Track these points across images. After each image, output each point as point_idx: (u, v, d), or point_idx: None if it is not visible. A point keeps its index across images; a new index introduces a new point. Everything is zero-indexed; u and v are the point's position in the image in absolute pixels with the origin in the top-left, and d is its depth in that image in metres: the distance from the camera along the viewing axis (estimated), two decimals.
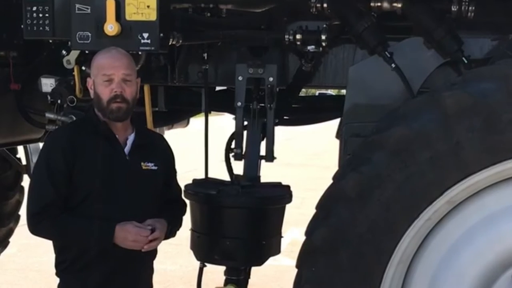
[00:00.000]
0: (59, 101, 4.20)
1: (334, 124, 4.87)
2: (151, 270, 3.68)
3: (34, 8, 3.81)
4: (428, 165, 2.96)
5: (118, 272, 3.43)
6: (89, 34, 3.67)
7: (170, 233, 3.56)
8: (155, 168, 3.51)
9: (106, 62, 3.40)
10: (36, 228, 3.37)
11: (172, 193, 3.69)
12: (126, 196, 3.40)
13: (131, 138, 3.50)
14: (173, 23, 3.81)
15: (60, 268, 3.50)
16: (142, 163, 3.48)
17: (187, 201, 3.97)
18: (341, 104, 4.00)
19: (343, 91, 4.39)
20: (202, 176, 4.46)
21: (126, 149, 3.47)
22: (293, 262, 3.33)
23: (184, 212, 3.78)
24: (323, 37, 3.95)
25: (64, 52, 4.09)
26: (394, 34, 3.93)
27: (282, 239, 4.19)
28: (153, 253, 3.62)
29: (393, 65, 3.80)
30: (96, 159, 3.37)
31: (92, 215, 3.34)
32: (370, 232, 3.05)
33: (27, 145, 6.12)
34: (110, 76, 3.37)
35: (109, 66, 3.38)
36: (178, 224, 3.66)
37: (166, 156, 3.65)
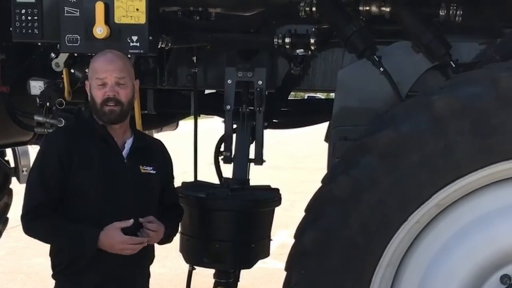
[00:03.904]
0: (48, 104, 4.19)
1: (323, 127, 4.88)
2: (147, 275, 3.67)
3: (23, 11, 3.79)
4: (417, 168, 2.97)
5: (114, 276, 3.41)
6: (78, 37, 3.66)
7: (167, 238, 3.55)
8: (154, 172, 3.50)
9: (99, 65, 3.39)
10: (27, 228, 3.37)
11: (169, 198, 3.67)
12: (123, 199, 3.38)
13: (129, 141, 3.50)
14: (162, 26, 3.81)
15: (56, 270, 3.49)
16: (140, 167, 3.47)
17: None
18: (330, 108, 4.01)
19: (332, 95, 4.40)
20: (192, 179, 4.46)
21: (124, 152, 3.46)
22: (282, 264, 3.33)
23: (180, 219, 3.76)
24: (312, 40, 3.96)
25: (53, 54, 4.08)
26: (383, 38, 3.94)
27: (271, 241, 4.20)
28: (150, 257, 3.61)
29: (381, 69, 3.80)
30: (93, 162, 3.37)
31: (89, 218, 3.33)
32: (359, 235, 3.06)
33: (16, 148, 6.10)
34: (103, 80, 3.36)
35: (102, 70, 3.37)
36: (175, 230, 3.65)
37: (164, 161, 3.64)
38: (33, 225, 3.35)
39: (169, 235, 3.57)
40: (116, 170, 3.40)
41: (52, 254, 3.50)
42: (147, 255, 3.57)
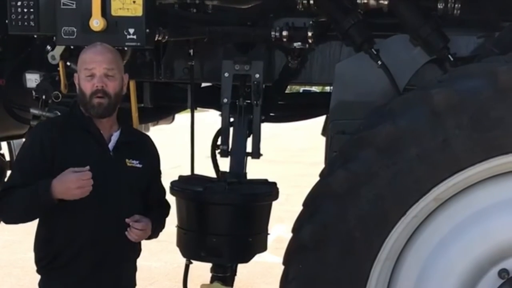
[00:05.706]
0: (44, 97, 4.17)
1: (320, 121, 4.87)
2: (134, 268, 3.65)
3: (19, 3, 3.77)
4: (415, 162, 2.97)
5: (99, 270, 3.39)
6: (75, 30, 3.64)
7: (153, 233, 3.52)
8: (140, 166, 3.49)
9: (88, 56, 3.39)
10: None
11: (156, 194, 3.66)
12: (108, 192, 3.37)
13: (116, 134, 3.49)
14: (159, 19, 3.79)
15: (41, 264, 3.48)
16: (126, 160, 3.46)
17: (173, 198, 3.96)
18: (327, 101, 4.00)
19: (328, 88, 4.39)
20: (188, 172, 4.45)
21: (110, 145, 3.45)
22: (279, 259, 3.33)
23: (167, 214, 3.75)
24: (310, 33, 3.94)
25: (49, 47, 4.06)
26: (381, 31, 3.93)
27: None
28: (136, 251, 3.60)
29: (379, 62, 3.80)
30: (78, 154, 3.35)
31: (74, 209, 3.30)
32: (357, 229, 3.05)
33: (11, 141, 6.08)
34: (91, 71, 3.35)
35: (91, 61, 3.37)
36: (161, 225, 3.62)
37: (151, 156, 3.63)
38: (1, 204, 3.34)
39: (155, 231, 3.54)
40: (101, 163, 3.37)
41: (36, 247, 3.49)
42: (134, 249, 3.57)
